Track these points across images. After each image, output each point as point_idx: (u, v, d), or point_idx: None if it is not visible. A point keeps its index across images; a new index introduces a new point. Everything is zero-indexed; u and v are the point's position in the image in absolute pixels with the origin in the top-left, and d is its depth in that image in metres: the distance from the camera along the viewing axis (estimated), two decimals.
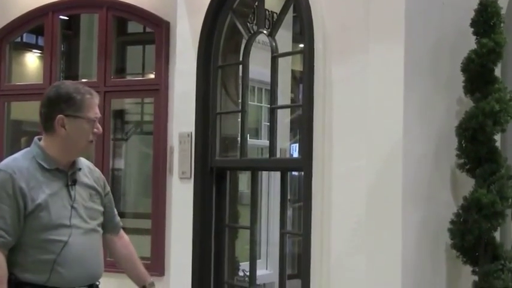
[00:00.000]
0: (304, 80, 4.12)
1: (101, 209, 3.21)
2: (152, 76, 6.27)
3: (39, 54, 8.37)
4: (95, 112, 3.06)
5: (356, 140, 3.80)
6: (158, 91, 5.84)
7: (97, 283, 3.18)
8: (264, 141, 7.32)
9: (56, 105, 3.04)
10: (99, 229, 3.18)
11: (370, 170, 3.74)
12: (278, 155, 5.36)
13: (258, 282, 4.92)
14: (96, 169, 3.32)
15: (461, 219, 3.69)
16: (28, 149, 3.13)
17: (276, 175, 6.39)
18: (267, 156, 4.71)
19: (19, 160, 3.03)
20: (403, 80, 3.66)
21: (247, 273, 4.97)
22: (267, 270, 7.49)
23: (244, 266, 5.46)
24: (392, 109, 3.69)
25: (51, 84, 6.55)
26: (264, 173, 7.22)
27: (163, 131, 5.76)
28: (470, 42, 3.81)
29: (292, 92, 7.90)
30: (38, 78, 7.12)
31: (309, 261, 3.93)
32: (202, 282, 4.71)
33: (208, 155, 4.72)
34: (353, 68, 3.83)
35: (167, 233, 5.36)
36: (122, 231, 3.40)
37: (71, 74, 8.11)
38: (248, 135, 4.81)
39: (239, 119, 4.78)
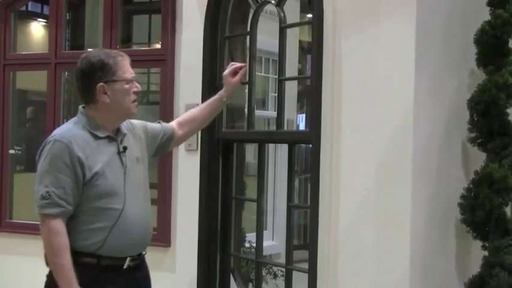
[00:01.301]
0: (313, 51, 4.05)
1: (147, 169, 3.25)
2: (158, 46, 6.21)
3: (44, 23, 8.32)
4: (130, 72, 3.11)
5: (365, 113, 3.74)
6: (164, 61, 5.78)
7: (144, 252, 3.20)
8: (271, 112, 7.29)
9: (92, 76, 3.06)
10: (148, 195, 3.21)
11: (379, 143, 3.69)
12: (285, 127, 5.31)
13: (264, 253, 4.90)
14: (134, 122, 3.34)
15: (472, 194, 3.64)
16: (75, 118, 3.17)
17: (283, 146, 6.34)
18: (274, 127, 4.65)
19: (72, 129, 3.07)
20: (414, 52, 3.58)
21: (254, 245, 4.95)
22: (273, 241, 7.50)
23: (251, 237, 5.44)
24: (403, 82, 3.62)
25: (56, 53, 6.60)
26: (271, 144, 7.17)
27: (170, 101, 5.71)
28: (483, 13, 3.73)
29: (299, 62, 7.83)
30: (43, 48, 7.08)
31: (317, 233, 3.89)
32: (208, 253, 4.69)
33: (215, 127, 4.67)
34: (363, 40, 3.75)
35: (173, 204, 5.33)
36: (173, 125, 3.57)
37: (77, 43, 8.07)
38: (255, 105, 4.75)
39: (246, 90, 4.72)
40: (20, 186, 7.29)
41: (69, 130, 3.08)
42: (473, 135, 3.73)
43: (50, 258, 2.97)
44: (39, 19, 8.78)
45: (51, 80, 6.69)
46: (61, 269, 2.94)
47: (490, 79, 3.63)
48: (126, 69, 3.09)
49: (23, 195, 7.26)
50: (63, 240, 2.94)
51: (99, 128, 3.07)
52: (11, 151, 7.15)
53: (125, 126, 3.22)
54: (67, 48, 6.97)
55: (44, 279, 3.11)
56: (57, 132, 3.09)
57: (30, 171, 7.77)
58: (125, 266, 3.04)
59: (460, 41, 3.83)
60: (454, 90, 3.83)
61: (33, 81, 7.59)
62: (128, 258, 3.05)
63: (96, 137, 3.06)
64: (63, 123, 6.93)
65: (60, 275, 2.94)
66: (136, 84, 3.09)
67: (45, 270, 3.14)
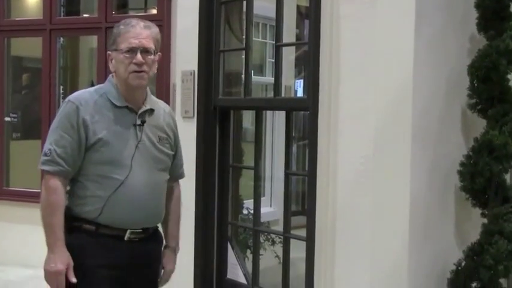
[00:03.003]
0: (310, 16, 3.98)
1: (170, 152, 3.20)
2: (154, 12, 6.14)
3: None
4: (129, 42, 3.01)
5: (364, 79, 3.68)
6: (161, 27, 5.70)
7: (154, 227, 3.17)
8: (269, 78, 7.22)
9: (109, 44, 3.12)
10: (165, 173, 3.15)
11: (378, 109, 3.64)
12: (283, 93, 5.26)
13: (262, 220, 4.89)
14: (171, 113, 3.32)
15: (472, 162, 3.59)
16: (100, 85, 3.16)
17: (281, 112, 6.29)
18: (272, 93, 4.61)
19: (89, 93, 3.07)
20: (414, 16, 3.52)
21: (251, 211, 4.94)
22: (271, 208, 7.47)
23: (248, 203, 5.42)
24: (402, 46, 3.56)
25: (51, 19, 6.53)
26: (269, 111, 7.12)
27: (166, 68, 5.67)
28: None
29: (297, 27, 7.75)
30: (37, 14, 7.00)
31: (315, 201, 3.87)
32: (205, 221, 4.68)
33: (212, 94, 4.62)
34: (362, 4, 3.69)
35: None
36: (178, 183, 3.40)
37: (72, 9, 7.97)
38: (252, 71, 4.70)
39: (243, 56, 4.67)
40: (16, 154, 7.28)
41: (85, 93, 3.08)
42: (473, 101, 3.68)
43: (42, 215, 2.97)
44: None
45: (46, 46, 6.64)
46: (51, 227, 2.94)
47: (490, 44, 3.57)
48: (125, 39, 3.01)
49: (19, 162, 7.25)
50: (57, 198, 2.94)
51: (119, 98, 3.05)
52: (7, 118, 7.13)
53: (158, 103, 3.22)
54: (62, 14, 6.89)
55: (42, 245, 3.09)
56: (74, 94, 3.10)
57: (26, 138, 7.75)
58: (125, 238, 3.02)
59: (461, 5, 3.76)
60: (454, 55, 3.78)
61: (28, 47, 7.53)
62: (129, 231, 3.02)
63: (114, 106, 3.03)
64: (59, 89, 6.93)
65: (49, 233, 2.95)
66: (138, 56, 3.00)
67: (43, 238, 3.13)
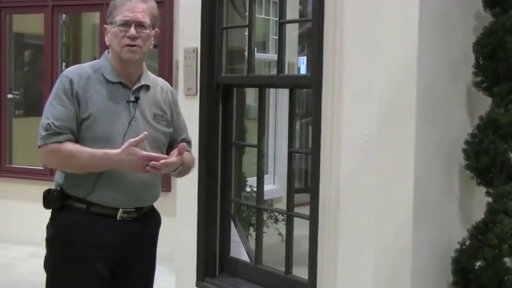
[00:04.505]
0: None
1: (166, 130, 3.14)
2: None
3: None
4: (124, 15, 2.98)
5: (368, 56, 3.65)
6: (163, 3, 5.68)
7: (149, 207, 3.14)
8: (272, 55, 7.17)
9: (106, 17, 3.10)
10: (159, 151, 3.07)
11: (382, 87, 3.61)
12: (286, 71, 5.23)
13: (265, 197, 4.88)
14: (170, 89, 3.25)
15: (477, 140, 3.58)
16: (96, 60, 3.14)
17: (284, 89, 6.26)
18: (275, 71, 4.58)
19: (83, 67, 3.06)
20: None
21: (255, 189, 4.93)
22: (274, 186, 7.46)
23: (252, 181, 5.42)
24: (406, 23, 3.53)
25: None
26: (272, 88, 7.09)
27: (169, 45, 5.65)
28: None
29: (300, 4, 7.69)
30: None
31: (318, 180, 3.84)
32: (208, 198, 4.67)
33: (214, 72, 4.59)
34: None
35: None
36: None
37: None
38: (255, 48, 4.67)
39: (246, 33, 4.63)
40: (19, 131, 7.27)
41: (79, 68, 3.06)
42: (478, 79, 3.65)
43: (76, 168, 2.92)
44: None
45: (48, 23, 6.61)
46: (91, 159, 2.88)
47: (496, 21, 3.53)
48: (120, 12, 2.98)
49: (22, 139, 7.24)
50: (72, 145, 2.90)
51: (113, 73, 3.01)
52: (9, 95, 7.11)
53: (155, 80, 3.18)
54: None
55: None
56: (68, 68, 3.07)
57: (29, 115, 7.74)
58: (117, 217, 3.00)
59: None
60: (460, 32, 3.74)
61: (30, 24, 7.49)
62: (121, 210, 2.99)
63: (107, 82, 3.00)
64: (61, 66, 6.90)
65: (99, 164, 2.89)
66: (131, 29, 2.96)
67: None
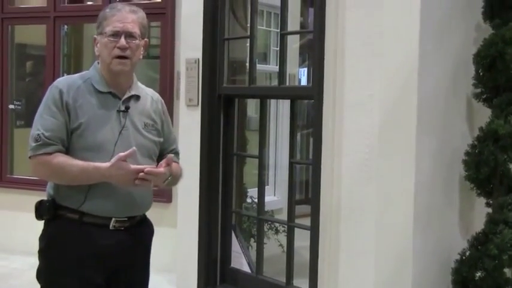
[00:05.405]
0: (315, 4, 3.97)
1: (156, 139, 3.13)
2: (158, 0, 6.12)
3: None
4: (114, 26, 2.97)
5: (369, 67, 3.67)
6: (165, 15, 5.70)
7: (141, 215, 3.12)
8: (273, 67, 7.19)
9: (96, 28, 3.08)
10: (150, 160, 3.07)
11: (383, 98, 3.63)
12: (287, 82, 5.25)
13: (266, 208, 4.89)
14: (160, 99, 3.24)
15: (477, 151, 3.59)
16: (86, 71, 3.13)
17: (285, 100, 6.28)
18: (276, 82, 4.60)
19: (73, 78, 3.05)
20: (420, 5, 3.51)
21: (255, 200, 4.93)
22: (274, 197, 7.46)
23: (252, 192, 5.42)
24: (407, 34, 3.55)
25: (55, 7, 6.52)
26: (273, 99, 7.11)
27: (170, 55, 5.66)
28: None
29: (301, 16, 7.72)
30: (42, 1, 6.98)
31: (319, 191, 3.86)
32: (209, 209, 4.68)
33: (216, 82, 4.61)
34: None
35: None
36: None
37: None
38: (257, 60, 4.69)
39: (247, 45, 4.65)
40: (20, 142, 7.26)
41: (68, 79, 3.06)
42: (478, 90, 3.67)
43: (66, 180, 2.92)
44: None
45: (50, 34, 6.62)
46: (81, 174, 2.88)
47: (496, 33, 3.56)
48: (110, 23, 2.97)
49: (23, 150, 7.21)
50: (62, 158, 2.89)
51: (103, 83, 3.01)
52: (11, 106, 7.12)
53: (144, 90, 3.18)
54: (66, 1, 6.87)
55: None
56: (58, 79, 3.07)
57: (30, 126, 7.73)
58: (110, 227, 3.00)
59: None
60: (460, 44, 3.77)
61: (33, 35, 7.51)
62: (113, 219, 2.99)
63: (97, 92, 2.99)
64: (62, 77, 6.92)
65: (86, 177, 2.89)
66: (121, 40, 2.95)
67: None
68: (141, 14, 3.08)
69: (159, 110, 3.19)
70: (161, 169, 2.95)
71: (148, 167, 2.90)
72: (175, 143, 3.32)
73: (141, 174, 2.86)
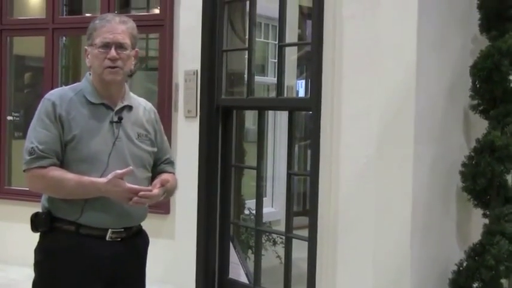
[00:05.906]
0: (313, 16, 4.00)
1: (150, 149, 3.13)
2: (157, 11, 6.14)
3: None
4: (104, 37, 2.97)
5: (367, 79, 3.69)
6: (163, 27, 5.72)
7: (137, 226, 3.12)
8: (271, 79, 7.22)
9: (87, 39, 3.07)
10: (145, 170, 3.08)
11: (380, 109, 3.65)
12: (285, 94, 5.27)
13: (263, 220, 4.89)
14: (153, 109, 3.25)
15: (474, 162, 3.60)
16: (77, 83, 3.14)
17: (283, 112, 6.30)
18: (274, 93, 4.62)
19: (65, 90, 3.05)
20: (417, 17, 3.53)
21: (253, 212, 4.94)
22: (272, 208, 7.48)
23: (250, 204, 5.43)
24: (404, 47, 3.57)
25: (54, 18, 6.54)
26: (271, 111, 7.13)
27: (169, 67, 5.67)
28: None
29: (299, 28, 7.75)
30: (40, 13, 7.00)
31: (317, 202, 3.87)
32: (207, 220, 4.68)
33: (214, 94, 4.62)
34: (365, 3, 3.70)
35: None
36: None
37: (74, 8, 7.99)
38: (255, 72, 4.71)
39: (246, 56, 4.67)
40: (18, 153, 7.25)
41: (60, 91, 3.06)
42: (475, 102, 3.69)
43: (63, 194, 2.93)
44: None
45: (49, 46, 6.63)
46: (77, 187, 2.89)
47: (493, 45, 3.57)
48: (100, 34, 2.98)
49: (21, 161, 7.23)
50: (57, 172, 2.90)
51: (95, 95, 3.01)
52: (9, 117, 7.12)
53: (137, 100, 3.18)
54: (65, 13, 6.88)
55: None
56: (50, 92, 3.07)
57: None
58: (107, 238, 3.00)
59: (463, 6, 3.77)
60: (457, 56, 3.78)
61: (31, 46, 7.53)
62: (110, 230, 2.98)
63: (90, 103, 2.99)
64: None
65: (83, 191, 2.90)
66: (111, 51, 2.95)
67: None
68: (131, 24, 3.08)
69: (151, 119, 3.19)
70: (155, 191, 2.97)
71: (143, 191, 2.92)
72: (168, 152, 3.32)
73: (135, 199, 2.88)
